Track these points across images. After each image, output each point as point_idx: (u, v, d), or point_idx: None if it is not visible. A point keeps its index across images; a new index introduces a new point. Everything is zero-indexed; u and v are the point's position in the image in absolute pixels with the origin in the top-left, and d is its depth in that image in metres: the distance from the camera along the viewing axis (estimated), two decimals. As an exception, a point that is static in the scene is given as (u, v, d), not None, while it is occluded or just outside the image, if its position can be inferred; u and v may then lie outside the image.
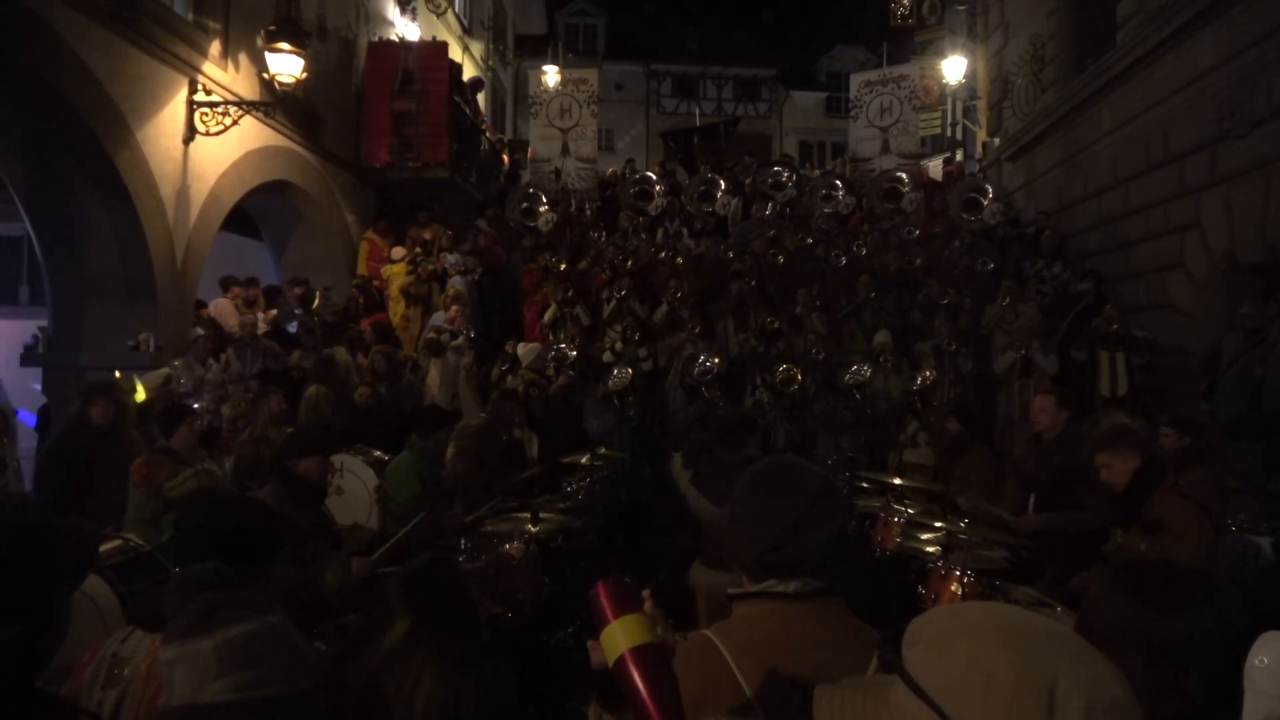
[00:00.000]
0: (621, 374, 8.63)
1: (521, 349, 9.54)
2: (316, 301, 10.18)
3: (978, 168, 15.49)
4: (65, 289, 8.20)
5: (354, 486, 5.70)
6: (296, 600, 3.17)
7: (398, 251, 11.42)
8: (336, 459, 5.59)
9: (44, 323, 8.50)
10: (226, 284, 9.97)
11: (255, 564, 2.20)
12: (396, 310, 10.93)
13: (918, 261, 10.54)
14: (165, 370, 7.36)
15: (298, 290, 10.32)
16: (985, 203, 11.40)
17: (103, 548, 3.96)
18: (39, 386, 8.96)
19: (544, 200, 12.60)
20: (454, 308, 9.84)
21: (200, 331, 8.24)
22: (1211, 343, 7.76)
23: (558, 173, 15.70)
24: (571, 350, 9.08)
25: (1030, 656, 0.91)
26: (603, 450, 7.15)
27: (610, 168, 17.18)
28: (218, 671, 1.31)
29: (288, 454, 3.87)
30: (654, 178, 13.47)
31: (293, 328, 9.54)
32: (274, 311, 9.61)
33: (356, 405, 7.78)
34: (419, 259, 11.11)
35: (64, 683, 2.10)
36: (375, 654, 1.72)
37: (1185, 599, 1.63)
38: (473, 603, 1.88)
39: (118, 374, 7.03)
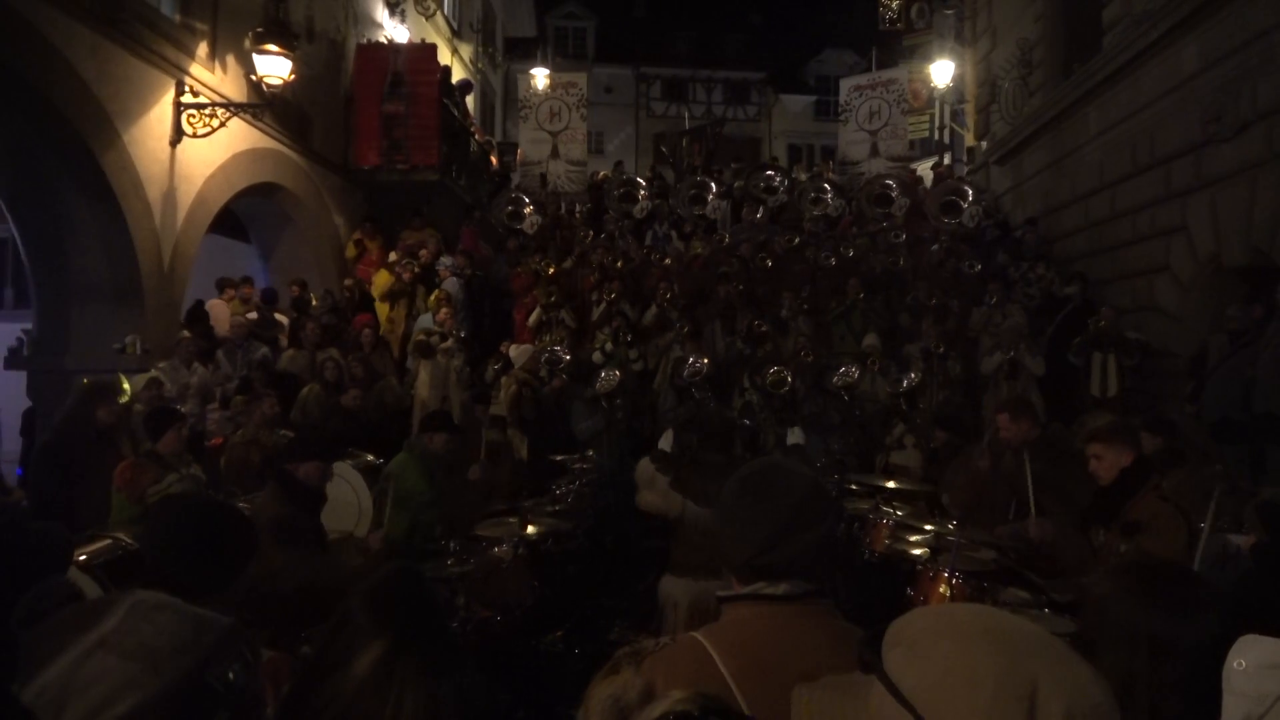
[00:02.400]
0: (610, 376, 8.61)
1: (514, 351, 9.51)
2: (314, 303, 10.16)
3: (965, 171, 15.57)
4: (51, 291, 8.14)
5: (344, 493, 5.61)
6: (314, 594, 3.16)
7: (392, 257, 11.39)
8: (329, 464, 5.55)
9: (29, 325, 8.43)
10: (222, 285, 9.93)
11: (225, 571, 2.17)
12: (381, 312, 10.90)
13: (900, 262, 10.57)
14: (152, 373, 7.32)
15: (294, 290, 10.29)
16: (965, 205, 11.44)
17: (92, 547, 3.94)
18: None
19: (529, 202, 12.59)
20: (444, 310, 9.81)
21: (186, 334, 8.19)
22: (1198, 345, 7.82)
23: (544, 177, 15.70)
24: (565, 354, 9.06)
25: (1012, 660, 0.90)
26: (590, 453, 7.15)
27: (601, 171, 17.18)
28: (56, 713, 1.16)
29: (288, 457, 3.86)
30: (641, 182, 13.48)
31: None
32: (253, 315, 9.55)
33: (345, 408, 7.75)
34: (403, 261, 11.09)
35: None
36: (348, 679, 1.62)
37: (1192, 600, 1.64)
38: (443, 611, 1.82)
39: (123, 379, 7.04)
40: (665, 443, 4.68)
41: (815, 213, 12.72)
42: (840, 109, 16.81)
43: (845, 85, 16.75)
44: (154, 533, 2.27)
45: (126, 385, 6.93)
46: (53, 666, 1.19)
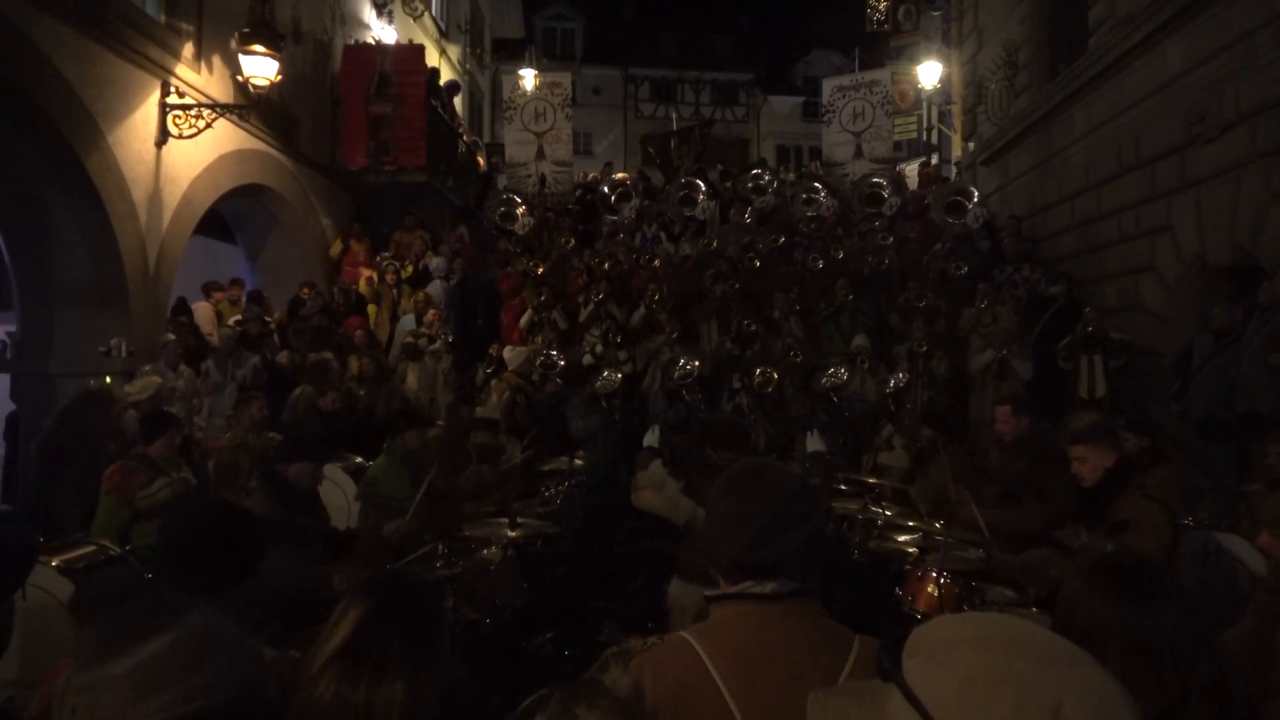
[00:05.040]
0: (610, 377, 8.61)
1: (508, 353, 9.49)
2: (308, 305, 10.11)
3: (954, 172, 15.63)
4: (34, 294, 8.07)
5: (333, 495, 5.60)
6: (306, 600, 3.14)
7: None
8: (319, 466, 5.52)
9: (12, 328, 8.36)
10: (208, 289, 9.86)
11: (238, 570, 2.18)
12: (370, 313, 10.87)
13: (885, 263, 10.60)
14: (157, 379, 7.22)
15: (304, 292, 10.26)
16: (970, 206, 11.43)
17: (75, 552, 3.92)
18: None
19: (520, 202, 12.57)
20: (431, 312, 9.79)
21: (171, 337, 8.13)
22: (1183, 345, 7.87)
23: (543, 179, 15.66)
24: (560, 357, 9.05)
25: (1035, 673, 0.87)
26: (580, 453, 7.13)
27: (591, 173, 17.17)
28: (138, 696, 1.20)
29: (277, 458, 3.85)
30: (623, 178, 13.46)
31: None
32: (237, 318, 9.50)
33: (324, 411, 7.69)
34: (388, 263, 11.07)
35: (35, 691, 2.05)
36: (323, 654, 1.59)
37: (1160, 593, 1.65)
38: (436, 602, 1.79)
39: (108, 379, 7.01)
40: (652, 438, 4.66)
41: (808, 213, 12.73)
42: (823, 110, 16.85)
43: (828, 86, 16.79)
44: (167, 533, 2.27)
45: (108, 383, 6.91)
46: (162, 639, 1.25)
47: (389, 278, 10.83)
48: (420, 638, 1.65)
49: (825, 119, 16.56)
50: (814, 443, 4.52)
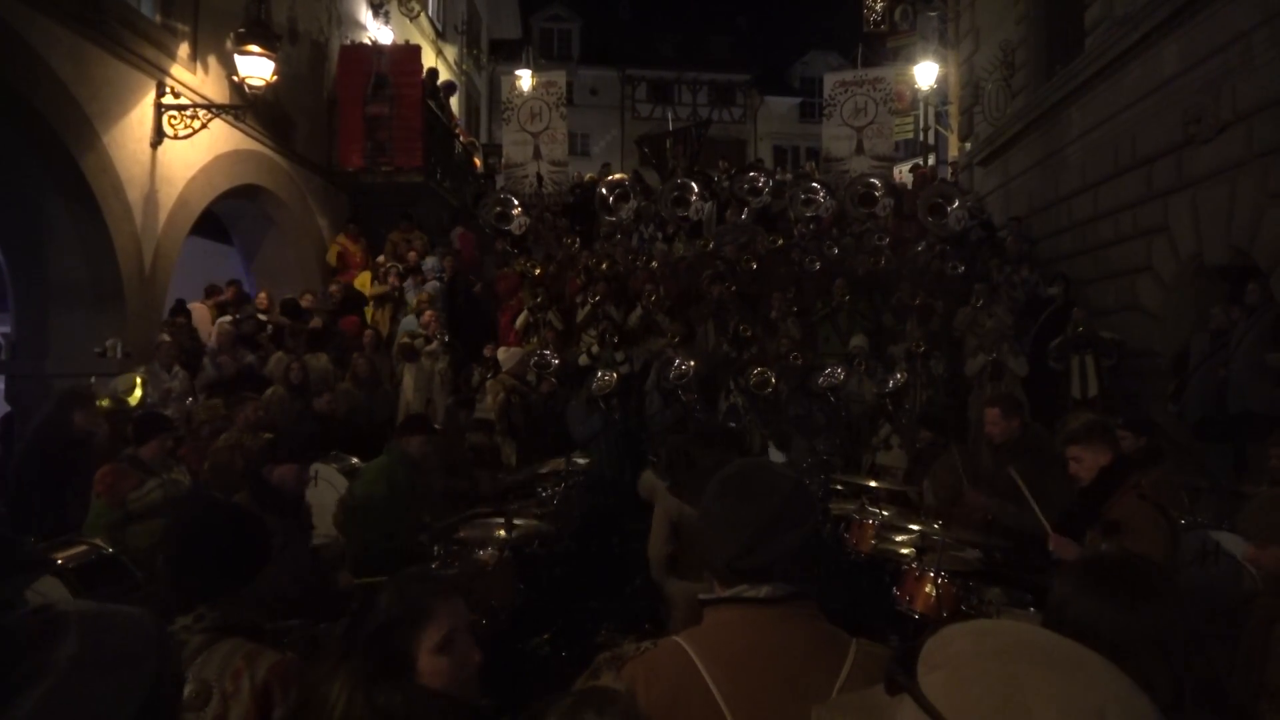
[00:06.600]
0: (607, 377, 8.59)
1: (502, 354, 9.47)
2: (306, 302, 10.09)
3: (950, 172, 15.61)
4: (29, 295, 8.05)
5: (327, 496, 5.59)
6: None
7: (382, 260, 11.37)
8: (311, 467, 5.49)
9: (7, 329, 8.34)
10: (210, 291, 9.83)
11: (245, 571, 2.17)
12: (368, 314, 10.85)
13: (882, 263, 10.59)
14: (135, 375, 7.23)
15: (306, 299, 10.25)
16: (950, 209, 11.44)
17: (68, 552, 3.91)
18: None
19: (516, 204, 12.54)
20: (428, 313, 9.76)
21: (166, 338, 8.10)
22: (1180, 345, 7.88)
23: (540, 179, 15.65)
24: (554, 357, 9.03)
25: (1074, 690, 0.81)
26: (577, 454, 7.11)
27: (589, 174, 17.16)
28: None
29: (261, 460, 3.82)
30: (620, 178, 13.44)
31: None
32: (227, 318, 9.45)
33: (318, 412, 7.66)
34: (391, 264, 11.05)
35: None
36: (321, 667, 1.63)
37: (1149, 592, 1.64)
38: (388, 618, 1.79)
39: (137, 378, 7.00)
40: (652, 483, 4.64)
41: (807, 214, 12.70)
42: (824, 104, 16.72)
43: (829, 80, 16.66)
44: (174, 535, 2.26)
45: (138, 389, 6.91)
46: (32, 695, 1.07)
47: (392, 280, 10.80)
48: (380, 658, 1.67)
49: (825, 113, 16.39)
50: (775, 455, 4.47)
